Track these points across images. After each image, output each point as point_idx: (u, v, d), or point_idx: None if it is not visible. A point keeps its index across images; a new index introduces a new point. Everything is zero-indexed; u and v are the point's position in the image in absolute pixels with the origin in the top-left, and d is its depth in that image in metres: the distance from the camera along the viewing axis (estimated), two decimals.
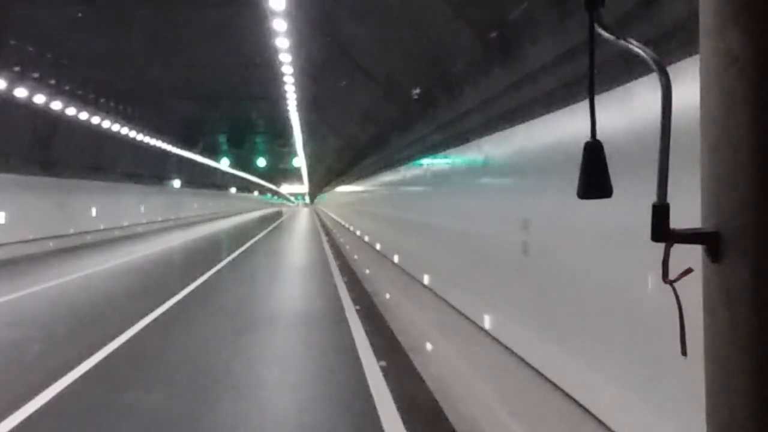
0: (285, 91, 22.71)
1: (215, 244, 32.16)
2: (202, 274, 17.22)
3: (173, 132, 37.55)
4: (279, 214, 76.57)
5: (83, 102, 24.78)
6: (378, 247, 19.33)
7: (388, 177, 18.62)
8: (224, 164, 55.78)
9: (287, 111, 28.21)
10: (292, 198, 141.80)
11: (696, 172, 1.13)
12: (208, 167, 54.18)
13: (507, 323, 6.94)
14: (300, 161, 58.29)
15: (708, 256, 1.10)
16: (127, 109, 29.83)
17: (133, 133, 31.13)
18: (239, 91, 28.34)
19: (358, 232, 26.62)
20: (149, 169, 40.30)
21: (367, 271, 16.81)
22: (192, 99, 30.17)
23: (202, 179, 57.68)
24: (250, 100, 30.73)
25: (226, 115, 36.64)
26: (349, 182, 34.47)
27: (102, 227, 32.75)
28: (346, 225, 34.07)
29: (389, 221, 17.68)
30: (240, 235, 37.92)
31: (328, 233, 35.69)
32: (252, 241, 30.75)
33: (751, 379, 1.04)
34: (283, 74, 19.25)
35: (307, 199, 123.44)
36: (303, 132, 36.02)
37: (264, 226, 46.87)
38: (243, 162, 59.46)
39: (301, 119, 30.42)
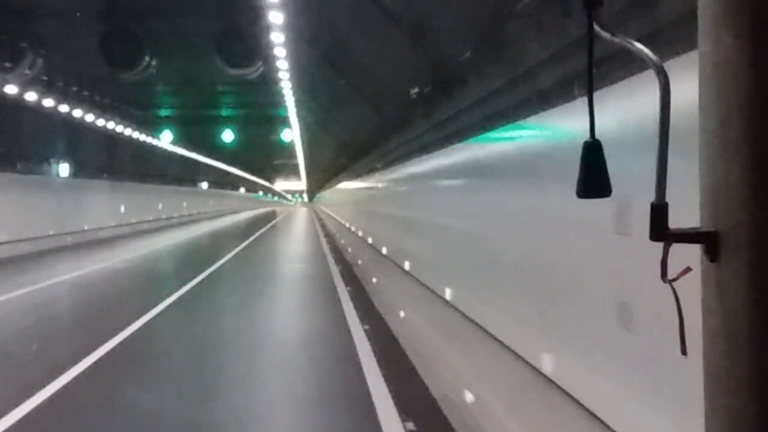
0: None
1: None
2: None
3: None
4: (272, 215, 60.19)
5: None
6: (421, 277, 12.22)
7: (422, 167, 13.12)
8: (166, 139, 33.54)
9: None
10: (289, 196, 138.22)
11: (695, 172, 1.13)
12: (141, 144, 33.77)
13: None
14: (292, 134, 36.63)
15: (706, 256, 1.10)
16: None
17: None
18: None
19: (384, 250, 18.31)
20: None
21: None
22: None
23: (136, 167, 36.76)
24: None
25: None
26: (364, 176, 27.15)
27: None
28: (366, 237, 23.75)
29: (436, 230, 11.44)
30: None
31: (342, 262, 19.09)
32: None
33: (750, 377, 1.04)
34: None
35: (305, 198, 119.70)
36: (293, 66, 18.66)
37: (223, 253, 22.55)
38: (193, 134, 35.66)
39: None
